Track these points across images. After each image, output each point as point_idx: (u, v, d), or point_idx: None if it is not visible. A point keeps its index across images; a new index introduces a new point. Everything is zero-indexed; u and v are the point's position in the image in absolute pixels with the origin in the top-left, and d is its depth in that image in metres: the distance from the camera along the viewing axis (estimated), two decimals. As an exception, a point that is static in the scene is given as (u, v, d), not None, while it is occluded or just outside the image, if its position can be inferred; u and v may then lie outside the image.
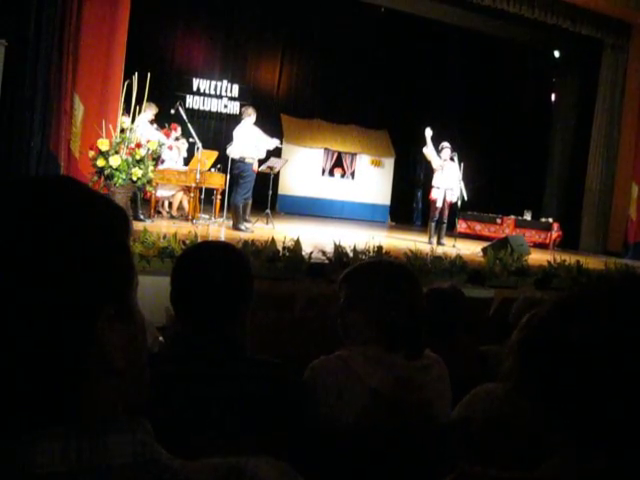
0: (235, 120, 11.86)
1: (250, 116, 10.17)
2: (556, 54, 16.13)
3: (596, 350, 1.00)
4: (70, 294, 0.65)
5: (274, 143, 10.38)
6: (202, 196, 10.49)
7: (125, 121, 7.60)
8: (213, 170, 10.89)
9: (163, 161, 10.15)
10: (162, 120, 10.82)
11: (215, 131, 16.19)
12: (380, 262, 2.36)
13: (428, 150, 11.20)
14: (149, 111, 9.74)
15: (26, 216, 0.66)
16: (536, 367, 1.07)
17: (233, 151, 10.07)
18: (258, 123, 10.43)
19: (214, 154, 10.98)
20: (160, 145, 8.36)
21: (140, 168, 7.05)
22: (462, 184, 11.19)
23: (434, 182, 11.32)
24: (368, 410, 1.83)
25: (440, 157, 11.28)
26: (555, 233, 14.04)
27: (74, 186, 0.73)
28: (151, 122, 10.09)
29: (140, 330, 0.75)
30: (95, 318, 0.67)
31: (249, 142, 9.97)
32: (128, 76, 7.66)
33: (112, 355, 0.69)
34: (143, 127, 8.91)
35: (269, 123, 13.08)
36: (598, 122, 14.44)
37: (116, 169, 6.92)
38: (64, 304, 0.65)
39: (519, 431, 1.46)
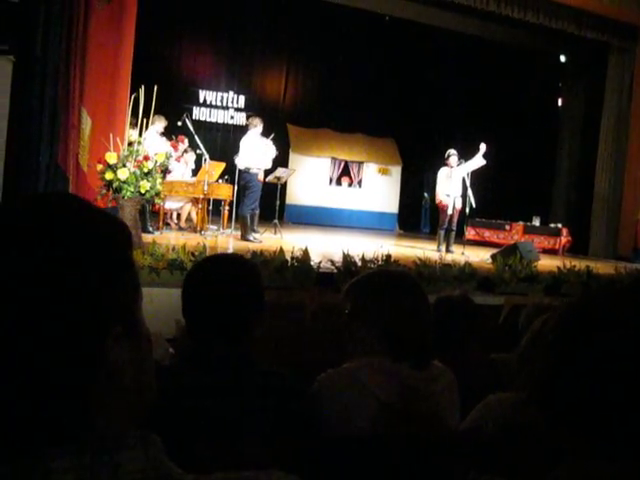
0: (242, 131, 11.87)
1: (256, 127, 10.19)
2: (562, 59, 16.11)
3: (610, 358, 1.00)
4: (79, 313, 0.66)
5: (270, 149, 10.39)
6: (210, 207, 10.51)
7: (132, 134, 7.63)
8: (220, 181, 10.91)
9: (170, 172, 10.18)
10: (169, 132, 10.86)
11: (222, 142, 16.22)
12: (383, 272, 2.35)
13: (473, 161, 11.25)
14: (159, 124, 9.79)
15: (30, 236, 0.66)
16: (547, 376, 1.07)
17: (239, 162, 10.09)
18: (265, 133, 10.46)
19: (221, 165, 11.01)
20: (168, 157, 8.38)
21: (148, 181, 7.07)
22: (470, 191, 11.18)
23: (443, 189, 11.31)
24: (376, 421, 1.82)
25: (447, 164, 11.31)
26: (564, 238, 13.99)
27: (76, 203, 0.73)
28: (160, 134, 10.14)
29: (146, 344, 0.75)
30: (104, 336, 0.68)
31: (255, 152, 9.99)
32: (135, 89, 7.69)
33: (121, 372, 0.69)
34: (152, 139, 8.95)
35: (275, 133, 13.08)
36: (606, 126, 14.40)
37: (124, 182, 6.94)
38: (74, 323, 0.65)
39: (531, 440, 1.45)
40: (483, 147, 11.21)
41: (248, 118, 11.17)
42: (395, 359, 1.90)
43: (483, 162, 11.23)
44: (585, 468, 0.95)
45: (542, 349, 1.15)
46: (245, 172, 9.96)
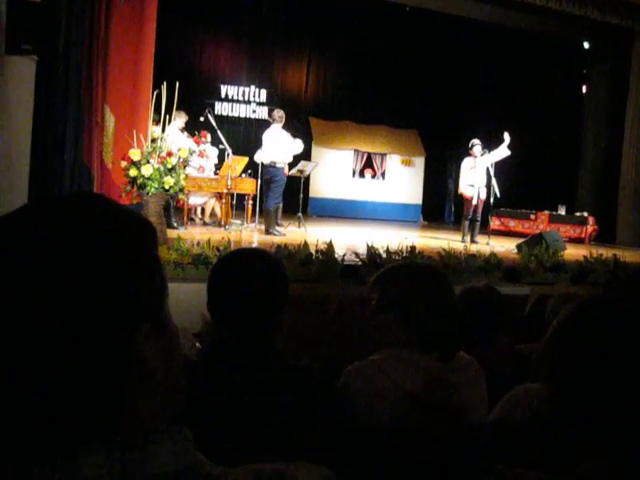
0: (264, 125, 11.89)
1: (279, 120, 10.19)
2: (586, 45, 15.93)
3: (624, 352, 1.00)
4: (109, 312, 0.66)
5: (299, 146, 10.38)
6: (234, 202, 10.55)
7: (155, 130, 7.67)
8: (244, 176, 10.94)
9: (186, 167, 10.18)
10: (192, 128, 10.90)
11: (244, 137, 16.26)
12: (411, 264, 2.36)
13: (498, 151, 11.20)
14: (179, 119, 9.82)
15: (57, 238, 0.67)
16: (568, 370, 1.07)
17: (263, 156, 10.09)
18: (287, 127, 10.46)
19: (244, 160, 11.03)
20: (191, 153, 8.41)
21: (172, 176, 7.11)
22: (494, 180, 11.11)
23: (467, 180, 11.25)
24: (403, 413, 1.82)
25: (471, 154, 11.25)
26: (590, 227, 13.86)
27: (100, 202, 0.73)
28: (182, 130, 10.18)
29: (174, 340, 0.76)
30: (134, 333, 0.68)
31: (279, 146, 10.00)
32: (157, 85, 7.73)
33: (152, 368, 0.70)
34: (174, 135, 8.99)
35: (298, 126, 13.11)
36: (631, 112, 14.21)
37: (148, 178, 6.98)
38: (104, 321, 0.66)
39: (559, 432, 1.45)
40: (507, 137, 11.13)
41: (271, 112, 11.14)
42: (422, 351, 1.90)
43: (508, 152, 11.15)
44: (609, 463, 0.95)
45: (558, 344, 1.16)
46: (271, 166, 9.97)
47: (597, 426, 1.01)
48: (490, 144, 11.56)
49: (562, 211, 14.36)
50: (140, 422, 0.70)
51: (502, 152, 11.15)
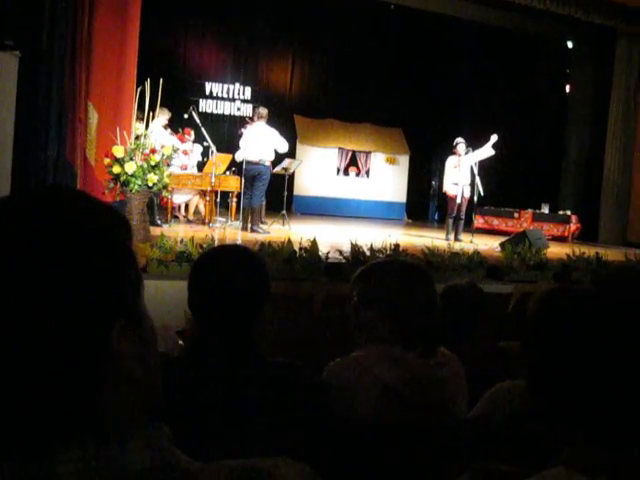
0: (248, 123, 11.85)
1: (265, 118, 10.17)
2: (569, 45, 16.01)
3: (585, 345, 1.02)
4: (81, 307, 0.65)
5: (284, 144, 10.36)
6: (218, 199, 10.52)
7: (139, 127, 7.63)
8: (228, 173, 10.92)
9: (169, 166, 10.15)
10: (176, 125, 10.86)
11: (229, 134, 16.18)
12: (392, 261, 2.36)
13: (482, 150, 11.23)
14: (162, 116, 9.77)
15: (28, 231, 0.66)
16: (539, 364, 1.09)
17: (250, 153, 10.02)
18: (272, 125, 10.44)
19: (228, 157, 11.01)
20: (175, 150, 8.38)
21: (155, 174, 7.08)
22: (478, 179, 11.15)
23: (451, 178, 11.29)
24: (384, 408, 1.83)
25: (455, 152, 11.29)
26: (573, 225, 13.94)
27: (72, 195, 0.72)
28: (165, 127, 10.14)
29: (151, 336, 0.75)
30: (110, 329, 0.68)
31: (264, 144, 9.98)
32: (141, 82, 7.69)
33: (127, 364, 0.69)
34: (157, 132, 8.95)
35: (282, 124, 13.07)
36: (614, 112, 14.31)
37: (132, 175, 6.95)
38: (77, 317, 0.65)
39: (538, 428, 1.46)
40: (494, 138, 11.17)
41: (254, 110, 11.13)
42: (403, 347, 1.90)
43: (492, 152, 11.19)
44: (584, 455, 0.96)
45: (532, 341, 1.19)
46: (259, 164, 9.92)
47: (567, 419, 1.02)
48: (474, 143, 11.60)
49: (545, 210, 14.44)
50: (116, 419, 0.69)
51: (487, 151, 11.19)
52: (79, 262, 0.66)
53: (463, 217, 11.37)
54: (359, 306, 2.01)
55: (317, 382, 1.89)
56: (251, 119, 11.47)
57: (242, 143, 10.26)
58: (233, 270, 1.76)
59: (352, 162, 17.70)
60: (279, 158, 10.78)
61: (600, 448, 0.94)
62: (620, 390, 0.96)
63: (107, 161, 7.13)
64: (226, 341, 1.73)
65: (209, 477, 0.72)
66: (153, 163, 7.09)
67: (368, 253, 6.73)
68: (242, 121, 13.51)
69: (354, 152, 17.64)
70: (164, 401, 0.77)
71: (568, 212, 14.25)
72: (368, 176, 17.81)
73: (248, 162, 10.04)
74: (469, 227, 11.85)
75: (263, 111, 10.31)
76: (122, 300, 0.70)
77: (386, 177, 17.82)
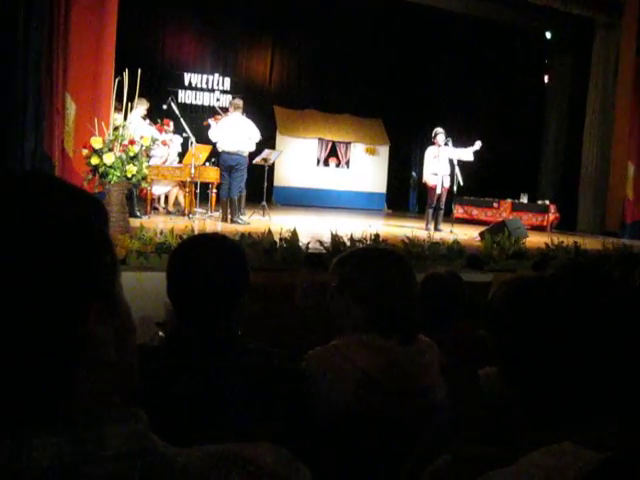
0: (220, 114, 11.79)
1: (239, 108, 10.15)
2: (548, 35, 16.07)
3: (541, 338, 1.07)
4: (57, 291, 0.65)
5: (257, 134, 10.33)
6: (197, 191, 10.48)
7: (117, 118, 7.58)
8: (208, 164, 10.88)
9: (150, 157, 10.12)
10: (154, 116, 10.79)
11: (208, 125, 16.12)
12: (369, 248, 2.37)
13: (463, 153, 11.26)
14: (141, 107, 9.71)
15: (3, 215, 0.65)
16: (500, 349, 1.13)
17: (226, 144, 9.97)
18: (252, 116, 10.41)
19: (208, 148, 10.96)
20: (153, 141, 8.33)
21: (134, 165, 7.04)
22: (457, 169, 11.19)
23: (431, 169, 11.31)
24: (362, 395, 1.84)
25: (434, 143, 11.31)
26: (552, 215, 14.05)
27: (46, 179, 0.72)
28: (143, 118, 10.07)
29: (127, 320, 0.74)
30: (84, 313, 0.67)
31: (241, 134, 9.94)
32: (119, 73, 7.63)
33: (103, 348, 0.69)
34: (136, 123, 8.89)
35: (262, 115, 13.04)
36: (592, 102, 14.40)
37: (110, 166, 6.90)
38: (52, 301, 0.65)
39: (518, 413, 1.47)
40: (478, 144, 11.18)
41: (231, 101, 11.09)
42: (381, 334, 1.91)
43: (471, 158, 11.23)
44: (592, 431, 0.97)
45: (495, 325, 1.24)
46: (237, 154, 9.88)
47: (532, 405, 1.06)
48: (454, 133, 11.64)
49: (524, 199, 14.53)
50: (92, 403, 0.69)
51: (467, 155, 11.22)
52: (53, 245, 0.65)
53: (443, 207, 11.42)
54: (335, 292, 2.01)
55: (297, 370, 1.90)
56: (224, 110, 11.44)
57: (214, 134, 10.22)
58: (212, 258, 1.75)
59: (332, 153, 17.70)
60: (260, 148, 10.75)
61: (609, 425, 0.96)
62: (593, 366, 0.99)
63: (85, 152, 7.07)
64: (205, 330, 1.72)
65: (186, 462, 0.71)
66: (132, 154, 7.05)
67: (348, 243, 6.75)
68: (213, 111, 13.38)
69: (334, 143, 17.64)
70: (143, 390, 0.77)
71: (547, 202, 14.36)
72: (348, 167, 17.82)
73: (225, 152, 10.00)
74: (449, 217, 11.91)
75: (238, 102, 10.29)
76: (97, 284, 0.69)
77: (366, 167, 17.84)
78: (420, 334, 2.02)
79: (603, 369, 1.05)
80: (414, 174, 18.52)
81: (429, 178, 11.35)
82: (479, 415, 1.70)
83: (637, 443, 0.93)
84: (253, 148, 10.27)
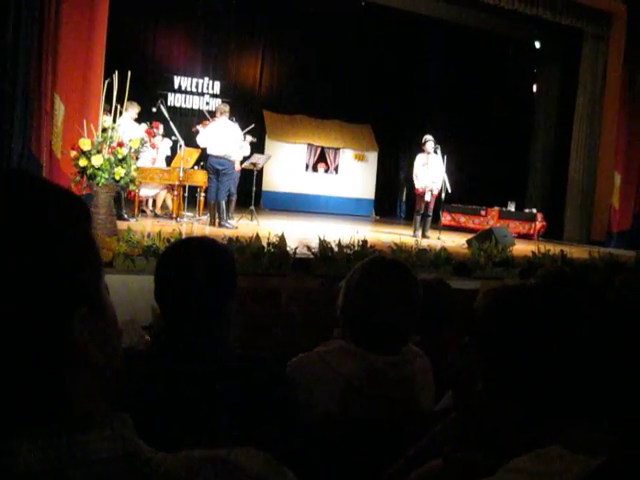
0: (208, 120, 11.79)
1: (225, 113, 10.15)
2: (537, 45, 16.18)
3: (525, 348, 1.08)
4: (41, 294, 0.64)
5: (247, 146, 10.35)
6: (186, 194, 10.46)
7: (106, 120, 7.55)
8: (196, 168, 10.86)
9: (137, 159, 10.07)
10: (144, 119, 10.76)
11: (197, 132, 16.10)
12: (373, 258, 2.33)
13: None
14: (132, 110, 9.69)
15: None
16: (485, 357, 1.14)
17: (213, 149, 9.95)
18: (241, 120, 10.41)
19: (197, 152, 10.95)
20: (142, 143, 8.30)
21: (123, 167, 7.01)
22: (446, 176, 11.23)
23: (420, 176, 11.34)
24: (346, 404, 1.84)
25: (423, 150, 11.35)
26: (539, 223, 14.12)
27: (28, 179, 0.70)
28: (134, 121, 10.05)
29: (112, 323, 0.74)
30: (70, 316, 0.67)
31: (228, 139, 9.93)
32: (108, 75, 7.60)
33: (89, 352, 0.68)
34: (126, 126, 8.86)
35: (251, 119, 13.03)
36: (580, 112, 14.50)
37: (98, 169, 6.87)
38: (37, 305, 0.64)
39: (504, 420, 1.47)
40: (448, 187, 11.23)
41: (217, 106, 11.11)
42: (363, 343, 1.91)
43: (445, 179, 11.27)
44: (583, 435, 0.98)
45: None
46: (223, 158, 9.87)
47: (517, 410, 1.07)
48: (442, 140, 11.67)
49: (512, 207, 14.59)
50: (78, 407, 0.68)
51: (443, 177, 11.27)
52: (37, 247, 0.65)
53: (431, 214, 11.46)
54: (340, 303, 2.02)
55: (282, 375, 1.89)
56: (212, 115, 11.43)
57: (202, 140, 10.21)
58: (200, 262, 1.74)
59: (321, 158, 17.71)
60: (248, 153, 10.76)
61: (600, 430, 0.96)
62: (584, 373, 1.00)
63: (73, 154, 7.04)
64: (192, 334, 1.71)
65: (172, 467, 0.71)
66: (120, 156, 7.02)
67: (336, 249, 6.75)
68: (201, 116, 13.35)
69: (323, 148, 17.66)
70: (129, 393, 0.76)
71: (534, 210, 14.42)
72: (337, 172, 17.84)
73: (213, 156, 9.98)
74: (436, 224, 11.93)
75: (225, 107, 10.33)
76: (82, 286, 0.68)
77: (355, 173, 17.86)
78: (408, 343, 2.01)
79: (588, 376, 1.06)
80: (402, 180, 18.57)
81: (418, 185, 11.38)
82: (467, 421, 1.70)
83: (627, 447, 0.93)
84: (239, 153, 10.27)
